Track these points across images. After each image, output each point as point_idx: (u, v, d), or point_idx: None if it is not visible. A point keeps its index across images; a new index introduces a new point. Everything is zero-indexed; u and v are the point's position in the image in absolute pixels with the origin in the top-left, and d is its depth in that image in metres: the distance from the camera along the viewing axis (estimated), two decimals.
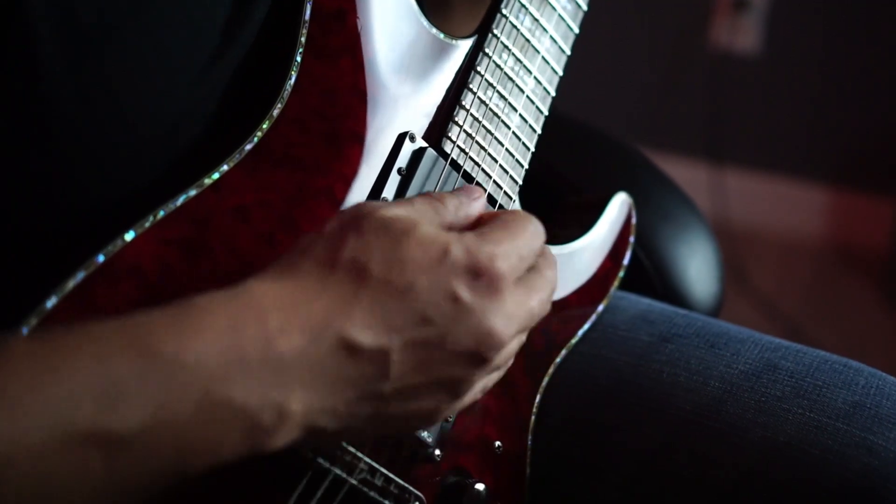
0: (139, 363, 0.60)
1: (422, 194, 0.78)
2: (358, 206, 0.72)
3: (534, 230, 0.76)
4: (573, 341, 1.00)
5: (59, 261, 0.70)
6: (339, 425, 0.67)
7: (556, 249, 0.98)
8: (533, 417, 0.95)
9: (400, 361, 0.68)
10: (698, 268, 1.26)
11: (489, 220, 0.76)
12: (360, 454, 0.78)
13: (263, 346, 0.63)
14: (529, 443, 0.95)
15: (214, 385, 0.61)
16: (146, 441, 0.59)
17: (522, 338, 0.76)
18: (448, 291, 0.69)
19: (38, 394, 0.57)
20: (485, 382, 0.75)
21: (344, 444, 0.77)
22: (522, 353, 0.90)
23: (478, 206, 0.78)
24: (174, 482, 0.62)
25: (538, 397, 0.96)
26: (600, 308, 1.02)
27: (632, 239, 1.04)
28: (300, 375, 0.64)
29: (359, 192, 0.81)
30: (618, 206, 1.04)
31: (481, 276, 0.70)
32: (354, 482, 0.78)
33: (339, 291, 0.67)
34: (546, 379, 0.97)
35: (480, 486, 0.86)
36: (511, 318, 0.71)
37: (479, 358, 0.71)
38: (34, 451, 0.56)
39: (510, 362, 0.77)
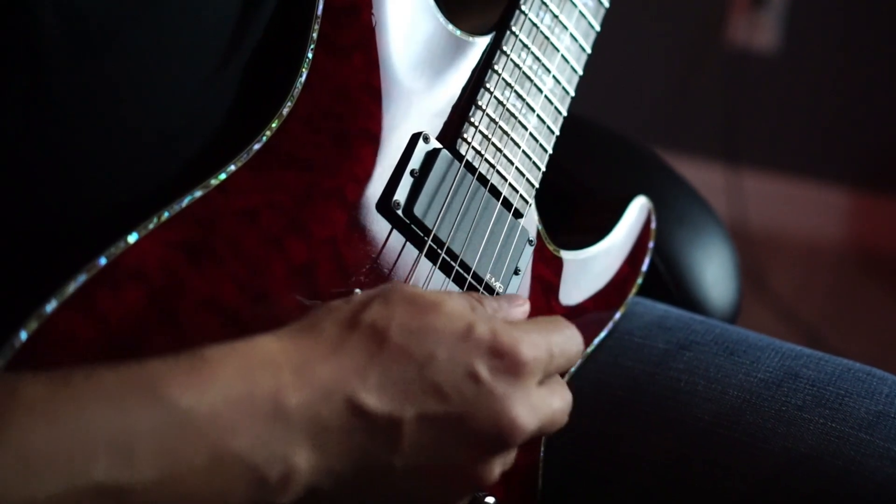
0: (154, 414, 0.60)
1: (463, 293, 0.77)
2: (388, 283, 0.73)
3: (570, 334, 0.75)
4: (589, 350, 0.99)
5: (61, 263, 0.70)
6: (341, 492, 0.67)
7: (572, 254, 0.98)
8: None
9: (412, 434, 0.67)
10: (715, 273, 1.26)
11: (521, 315, 0.77)
12: None
13: (274, 401, 0.63)
14: (542, 454, 0.94)
15: (225, 437, 0.62)
16: (158, 493, 0.60)
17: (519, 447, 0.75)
18: (467, 368, 0.68)
19: (54, 447, 0.58)
20: (500, 472, 0.73)
21: None
22: None
23: (518, 313, 0.79)
24: None
25: None
26: (617, 315, 1.02)
27: (651, 244, 1.04)
28: (308, 433, 0.64)
29: (370, 194, 0.81)
30: (637, 209, 1.04)
31: (503, 357, 0.69)
32: None
33: (356, 353, 0.67)
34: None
35: (491, 500, 0.85)
36: (534, 410, 0.70)
37: (498, 446, 0.70)
38: (40, 502, 0.57)
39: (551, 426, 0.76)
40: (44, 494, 0.57)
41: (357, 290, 0.78)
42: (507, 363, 0.69)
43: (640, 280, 1.03)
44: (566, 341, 0.74)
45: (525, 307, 0.80)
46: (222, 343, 0.65)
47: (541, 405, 0.71)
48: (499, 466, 0.72)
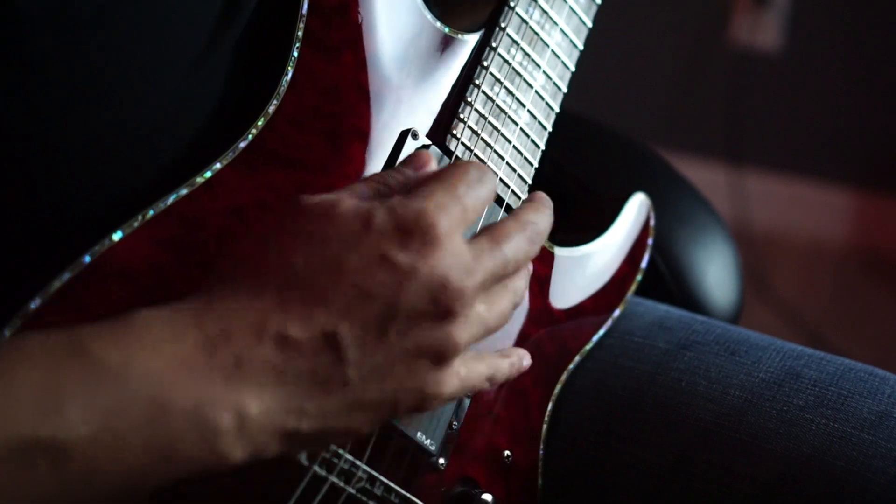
0: (83, 371, 0.60)
1: (365, 179, 0.75)
2: (287, 201, 0.71)
3: (476, 176, 0.72)
4: (587, 347, 0.99)
5: (45, 261, 0.70)
6: (316, 424, 0.67)
7: (569, 251, 0.98)
8: (545, 426, 0.95)
9: (353, 342, 0.66)
10: (717, 273, 1.26)
11: (423, 178, 0.73)
12: (358, 462, 0.77)
13: (207, 352, 0.63)
14: (542, 453, 0.94)
15: (163, 391, 0.62)
16: (95, 448, 0.60)
17: (503, 298, 0.73)
18: (380, 259, 0.67)
19: None
20: (468, 339, 0.71)
21: (340, 451, 0.76)
22: (534, 360, 0.90)
23: (424, 173, 0.76)
24: (132, 493, 0.62)
25: (550, 406, 0.95)
26: (616, 313, 1.02)
27: (650, 242, 1.04)
28: (250, 377, 0.64)
29: None
30: (636, 207, 1.04)
31: (412, 233, 0.68)
32: (352, 491, 0.77)
33: (271, 292, 0.66)
34: (559, 387, 0.96)
35: (488, 497, 0.86)
36: (465, 263, 0.69)
37: (441, 312, 0.68)
38: None
39: (500, 316, 0.73)
40: None
41: None
42: (418, 236, 0.67)
43: (639, 277, 1.03)
44: (475, 185, 0.72)
45: (429, 165, 0.77)
46: (149, 307, 0.65)
47: (471, 257, 0.69)
48: (462, 328, 0.69)
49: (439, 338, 0.69)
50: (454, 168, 0.72)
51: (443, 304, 0.68)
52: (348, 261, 0.67)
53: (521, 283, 0.75)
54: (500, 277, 0.72)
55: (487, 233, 0.73)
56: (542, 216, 0.77)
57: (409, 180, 0.75)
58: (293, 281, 0.67)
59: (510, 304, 0.74)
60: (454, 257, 0.68)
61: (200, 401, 0.62)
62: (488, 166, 0.87)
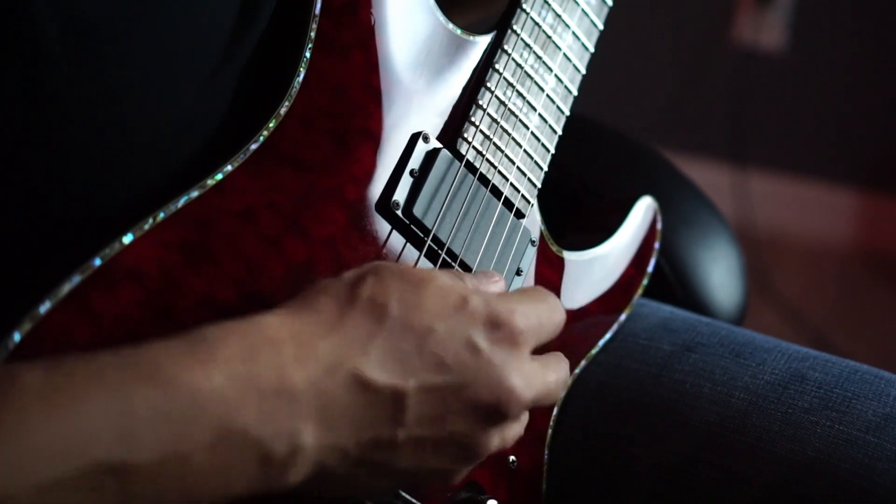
0: (155, 394, 0.61)
1: (445, 269, 0.78)
2: (374, 262, 0.74)
3: (555, 303, 0.77)
4: (593, 352, 0.99)
5: (56, 264, 0.70)
6: (348, 470, 0.68)
7: (576, 255, 0.98)
8: (550, 430, 0.95)
9: (415, 406, 0.69)
10: (721, 274, 1.25)
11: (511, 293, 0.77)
12: None
13: (277, 377, 0.64)
14: (546, 457, 0.94)
15: (230, 414, 0.62)
16: (161, 471, 0.60)
17: (525, 416, 0.77)
18: (466, 339, 0.70)
19: (53, 428, 0.58)
20: (499, 445, 0.75)
21: None
22: None
23: (495, 288, 0.80)
24: None
25: (556, 410, 0.95)
26: (622, 317, 1.02)
27: (657, 245, 1.04)
28: (313, 408, 0.65)
29: (370, 194, 0.81)
30: (643, 210, 1.04)
31: (500, 327, 0.72)
32: None
33: (357, 328, 0.68)
34: (564, 391, 0.96)
35: (493, 503, 0.85)
36: (530, 380, 0.73)
37: (497, 415, 0.72)
38: (45, 487, 0.57)
39: (517, 437, 0.77)
40: (48, 479, 0.58)
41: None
42: (504, 333, 0.72)
43: (645, 281, 1.03)
44: (551, 311, 0.76)
45: (501, 284, 0.81)
46: (222, 322, 0.66)
47: (535, 375, 0.73)
48: (497, 438, 0.73)
49: (480, 438, 0.72)
50: (537, 290, 0.78)
51: (502, 407, 0.72)
52: (438, 329, 0.70)
53: (559, 390, 0.78)
54: (538, 402, 0.75)
55: (542, 359, 0.76)
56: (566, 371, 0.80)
57: (482, 285, 0.78)
58: (381, 326, 0.68)
59: (519, 432, 0.77)
60: (524, 366, 0.73)
61: (262, 426, 0.63)
62: (497, 176, 0.88)
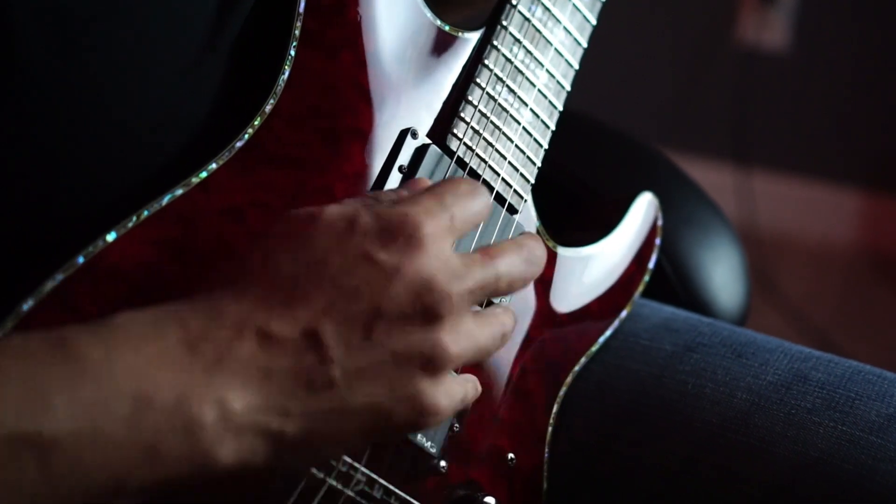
0: (66, 367, 0.60)
1: (357, 197, 0.75)
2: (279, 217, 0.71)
3: (467, 189, 0.72)
4: (593, 349, 0.99)
5: (38, 262, 0.70)
6: (302, 427, 0.65)
7: (573, 251, 0.97)
8: (550, 429, 0.95)
9: (337, 341, 0.66)
10: (724, 275, 1.25)
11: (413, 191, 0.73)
12: (356, 464, 0.77)
13: (189, 349, 0.63)
14: (546, 456, 0.94)
15: (146, 386, 0.61)
16: (79, 443, 0.60)
17: (500, 316, 0.73)
18: (363, 256, 0.67)
19: None
20: (458, 351, 0.69)
21: None
22: (538, 362, 0.90)
23: (404, 192, 0.75)
24: (119, 492, 0.62)
25: (556, 408, 0.95)
26: (623, 315, 1.01)
27: (658, 242, 1.04)
28: (232, 372, 0.64)
29: (359, 191, 0.81)
30: (643, 206, 1.04)
31: (395, 234, 0.67)
32: (351, 494, 0.77)
33: (255, 291, 0.66)
34: (564, 389, 0.96)
35: (491, 501, 0.85)
36: (452, 269, 0.68)
37: (427, 314, 0.67)
38: None
39: (492, 339, 0.72)
40: None
41: None
42: (403, 237, 0.67)
43: (646, 278, 1.03)
44: (466, 197, 0.72)
45: (423, 185, 0.77)
46: (128, 310, 0.65)
47: (459, 265, 0.69)
48: (449, 334, 0.68)
49: (427, 341, 0.67)
50: (445, 181, 0.73)
51: (428, 305, 0.67)
52: (331, 260, 0.67)
53: (510, 319, 0.74)
54: (491, 291, 0.71)
55: (481, 249, 0.72)
56: (540, 245, 0.76)
57: (400, 197, 0.74)
58: (277, 280, 0.66)
59: (502, 329, 0.73)
60: (440, 260, 0.68)
61: (182, 395, 0.62)
62: (487, 171, 0.87)
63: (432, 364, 0.68)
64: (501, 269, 0.71)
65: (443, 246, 0.68)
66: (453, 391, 0.70)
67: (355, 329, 0.66)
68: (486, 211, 0.73)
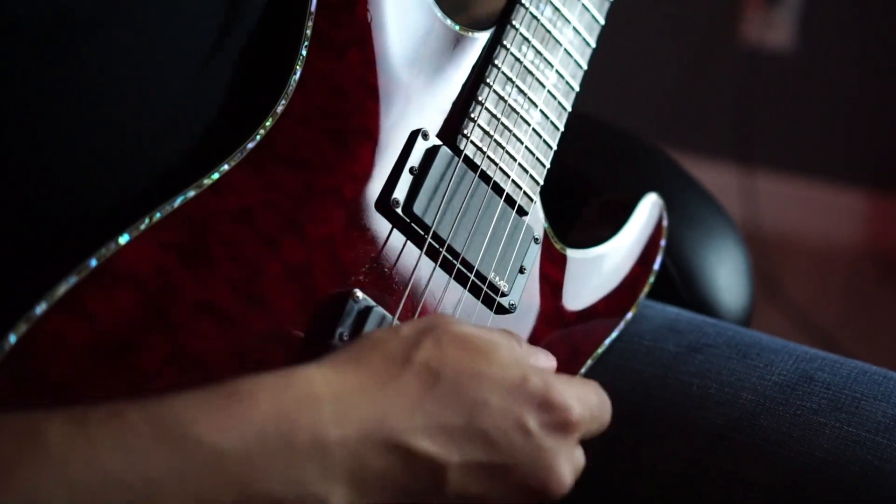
0: (177, 456, 0.60)
1: (500, 329, 0.77)
2: (435, 317, 0.72)
3: (604, 400, 0.76)
4: (600, 351, 0.99)
5: (52, 266, 0.70)
6: None
7: (581, 253, 0.98)
8: None
9: (456, 479, 0.67)
10: (727, 276, 1.25)
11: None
12: None
13: (312, 435, 0.63)
14: None
15: (256, 478, 0.61)
16: None
17: None
18: (518, 418, 0.69)
19: (68, 491, 0.58)
20: None
21: None
22: None
23: (547, 362, 0.78)
24: None
25: None
26: (629, 316, 1.01)
27: (663, 243, 1.04)
28: (345, 470, 0.64)
29: (369, 192, 0.82)
30: (648, 207, 1.04)
31: (555, 412, 0.70)
32: None
33: (405, 392, 0.67)
34: None
35: None
36: (575, 466, 0.72)
37: (539, 496, 0.71)
38: None
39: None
40: None
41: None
42: (558, 419, 0.70)
43: (651, 279, 1.03)
44: (603, 406, 0.75)
45: (553, 363, 0.79)
46: (257, 375, 0.64)
47: (578, 461, 0.72)
48: None
49: None
50: (597, 385, 0.76)
51: (549, 493, 0.71)
52: (492, 402, 0.69)
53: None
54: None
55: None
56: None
57: (538, 359, 0.77)
58: (430, 394, 0.67)
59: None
60: (573, 454, 0.72)
61: (288, 491, 0.62)
62: (497, 173, 0.88)
63: None
64: (582, 464, 0.74)
65: (576, 438, 0.72)
66: None
67: (477, 480, 0.68)
68: (606, 426, 0.76)
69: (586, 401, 0.73)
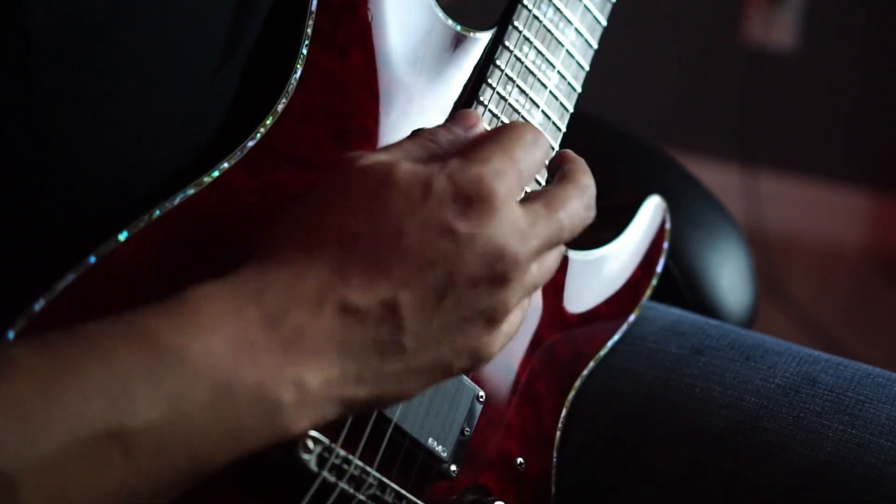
0: (146, 359, 0.61)
1: (414, 132, 0.76)
2: (338, 160, 0.71)
3: (532, 139, 0.72)
4: (602, 353, 0.99)
5: (52, 262, 0.70)
6: (374, 390, 0.68)
7: (583, 255, 0.98)
8: (558, 434, 0.95)
9: (412, 311, 0.67)
10: (730, 277, 1.25)
11: (479, 140, 0.73)
12: (368, 468, 0.77)
13: (267, 327, 0.64)
14: (555, 460, 0.94)
15: (226, 370, 0.62)
16: (164, 433, 0.60)
17: (552, 256, 0.74)
18: (441, 227, 0.67)
19: (48, 403, 0.58)
20: (518, 302, 0.72)
21: (350, 457, 0.76)
22: (547, 366, 0.90)
23: (472, 135, 0.76)
24: (199, 476, 0.63)
25: (564, 412, 0.95)
26: (631, 318, 1.02)
27: (665, 245, 1.04)
28: (311, 349, 0.65)
29: None
30: (651, 209, 1.04)
31: (471, 201, 0.68)
32: (363, 497, 0.77)
33: (330, 259, 0.67)
34: (572, 393, 0.96)
35: None
36: (521, 230, 0.69)
37: (497, 279, 0.69)
38: (49, 461, 0.57)
39: (548, 274, 0.74)
40: (50, 448, 0.57)
41: None
42: (477, 204, 0.68)
43: (654, 282, 1.03)
44: (530, 148, 0.72)
45: (478, 125, 0.77)
46: (203, 283, 0.65)
47: (528, 224, 0.70)
48: (515, 292, 0.71)
49: (494, 303, 0.70)
50: (509, 130, 0.72)
51: (499, 272, 0.69)
52: (409, 228, 0.67)
53: (557, 258, 0.76)
54: (553, 243, 0.73)
55: (543, 198, 0.73)
56: (592, 180, 0.77)
57: (458, 139, 0.75)
58: (352, 247, 0.67)
59: (557, 262, 0.75)
60: (511, 225, 0.69)
61: (263, 377, 0.63)
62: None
63: (494, 319, 0.70)
64: (565, 222, 0.73)
65: (513, 207, 0.70)
66: (509, 332, 0.73)
67: (428, 297, 0.67)
68: (547, 156, 0.74)
69: (501, 168, 0.69)
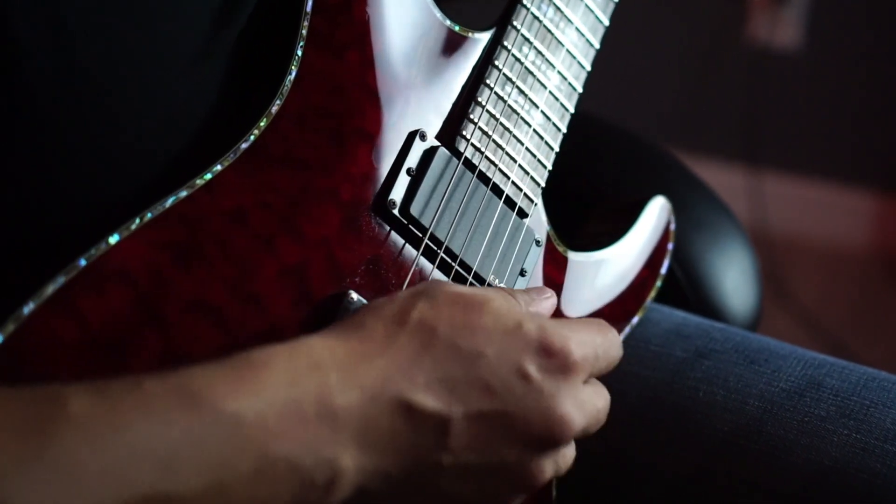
0: (197, 423, 0.62)
1: (493, 287, 0.79)
2: (429, 281, 0.75)
3: (613, 337, 0.77)
4: None
5: (41, 265, 0.70)
6: (391, 490, 0.69)
7: (584, 256, 0.97)
8: None
9: (460, 432, 0.69)
10: (735, 279, 1.25)
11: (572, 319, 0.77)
12: None
13: (320, 403, 0.65)
14: None
15: (271, 442, 0.63)
16: (205, 501, 0.61)
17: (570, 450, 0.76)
18: (517, 365, 0.70)
19: (99, 461, 0.59)
20: (548, 477, 0.74)
21: None
22: None
23: (548, 304, 0.80)
24: None
25: None
26: (635, 320, 1.01)
27: (670, 246, 1.03)
28: (355, 434, 0.66)
29: (366, 193, 0.82)
30: (656, 210, 1.03)
31: (553, 356, 0.71)
32: None
33: (404, 352, 0.69)
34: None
35: None
36: (582, 408, 0.72)
37: (549, 444, 0.72)
38: None
39: (570, 461, 0.76)
40: None
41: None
42: (557, 361, 0.71)
43: (658, 283, 1.02)
44: (609, 343, 0.76)
45: (553, 300, 0.81)
46: (268, 346, 0.66)
47: (587, 403, 0.73)
48: (550, 466, 0.73)
49: (535, 466, 0.72)
50: (598, 322, 0.77)
51: (554, 435, 0.71)
52: (488, 352, 0.70)
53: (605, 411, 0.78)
54: (589, 429, 0.75)
55: (595, 384, 0.76)
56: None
57: (536, 307, 0.79)
58: (428, 349, 0.69)
59: (571, 457, 0.77)
60: (578, 394, 0.72)
61: (304, 451, 0.64)
62: (497, 174, 0.88)
63: (526, 486, 0.73)
64: (600, 406, 0.75)
65: (581, 381, 0.73)
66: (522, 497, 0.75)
67: (482, 430, 0.69)
68: (617, 363, 0.78)
69: (586, 341, 0.73)
